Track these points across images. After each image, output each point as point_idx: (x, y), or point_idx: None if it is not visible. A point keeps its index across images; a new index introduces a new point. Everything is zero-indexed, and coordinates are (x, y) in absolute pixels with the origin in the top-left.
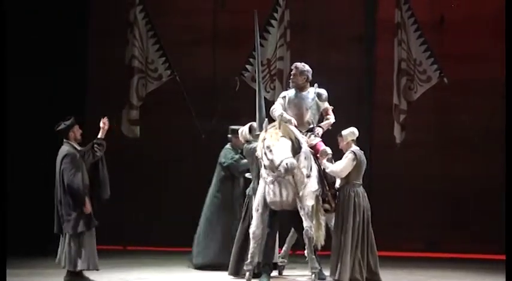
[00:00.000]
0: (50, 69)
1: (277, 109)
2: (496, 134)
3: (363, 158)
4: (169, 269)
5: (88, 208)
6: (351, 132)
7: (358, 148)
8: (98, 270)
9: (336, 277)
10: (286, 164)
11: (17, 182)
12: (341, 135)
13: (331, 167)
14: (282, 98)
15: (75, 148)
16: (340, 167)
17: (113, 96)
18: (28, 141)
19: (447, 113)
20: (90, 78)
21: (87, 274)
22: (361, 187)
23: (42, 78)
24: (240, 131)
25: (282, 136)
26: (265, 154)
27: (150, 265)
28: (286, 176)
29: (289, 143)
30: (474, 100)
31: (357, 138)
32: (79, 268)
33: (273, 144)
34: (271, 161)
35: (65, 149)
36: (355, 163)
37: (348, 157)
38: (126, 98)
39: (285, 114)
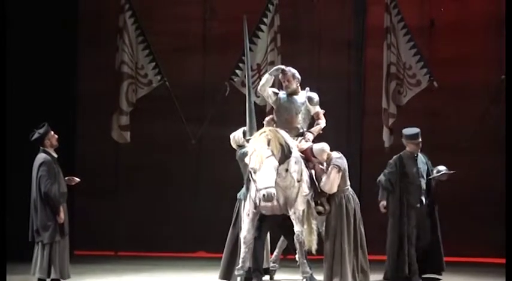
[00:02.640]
0: (40, 75)
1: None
2: (486, 137)
3: (345, 162)
4: (160, 275)
5: (62, 216)
6: (321, 150)
7: (338, 155)
8: (69, 278)
9: None
10: (264, 195)
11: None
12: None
13: (322, 184)
14: (274, 92)
15: (52, 155)
16: (328, 186)
17: (103, 102)
18: (18, 148)
19: (436, 117)
20: (80, 84)
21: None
22: (349, 189)
23: (32, 85)
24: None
25: (267, 157)
26: (250, 173)
27: (142, 270)
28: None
29: (274, 165)
30: (463, 104)
31: (348, 142)
32: (52, 276)
33: (258, 167)
34: (255, 182)
35: (41, 156)
36: (340, 173)
37: (332, 173)
38: (116, 103)
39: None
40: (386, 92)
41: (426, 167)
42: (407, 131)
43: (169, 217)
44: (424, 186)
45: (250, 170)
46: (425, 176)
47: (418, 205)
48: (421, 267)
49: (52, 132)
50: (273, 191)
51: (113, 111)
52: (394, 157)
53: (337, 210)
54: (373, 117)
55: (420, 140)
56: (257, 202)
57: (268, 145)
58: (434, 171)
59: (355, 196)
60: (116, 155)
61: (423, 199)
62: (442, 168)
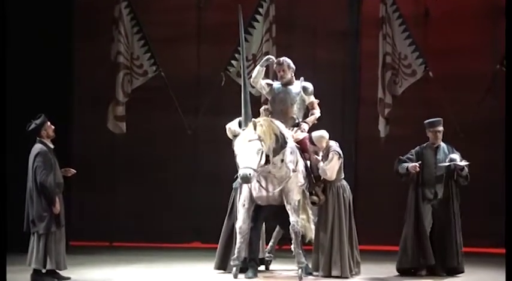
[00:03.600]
0: (36, 66)
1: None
2: (481, 128)
3: (340, 152)
4: (155, 266)
5: (57, 207)
6: (320, 137)
7: (335, 144)
8: (65, 269)
9: (337, 274)
10: (240, 175)
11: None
12: (313, 143)
13: (321, 171)
14: (268, 84)
15: (48, 146)
16: (330, 173)
17: (99, 93)
18: (14, 139)
19: (432, 106)
20: (75, 75)
21: (63, 273)
22: (344, 180)
23: (28, 76)
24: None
25: (250, 140)
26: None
27: (136, 261)
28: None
29: (257, 148)
30: (459, 94)
31: (343, 132)
32: (48, 267)
33: (239, 148)
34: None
35: (37, 147)
36: (340, 161)
37: (333, 159)
38: (112, 94)
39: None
40: (382, 82)
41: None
42: (429, 120)
43: (164, 208)
44: (442, 177)
45: (235, 152)
46: (444, 168)
47: (432, 197)
48: (436, 261)
49: (49, 123)
50: (248, 171)
51: (108, 101)
52: (417, 147)
53: (334, 199)
54: (368, 107)
55: (439, 128)
56: (253, 192)
57: (255, 129)
58: (447, 159)
59: (348, 187)
60: (112, 145)
61: (438, 191)
62: (454, 156)
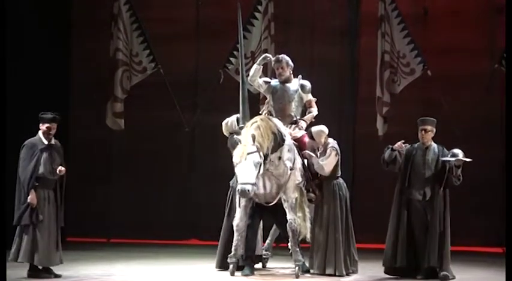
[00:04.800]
0: (34, 62)
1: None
2: (479, 126)
3: (339, 149)
4: (153, 263)
5: (31, 200)
6: (320, 131)
7: (334, 141)
8: (57, 264)
9: (331, 272)
10: (238, 190)
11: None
12: (312, 138)
13: (318, 167)
14: (265, 82)
15: (41, 141)
16: (327, 168)
17: (97, 90)
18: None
19: (430, 105)
20: (74, 71)
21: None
22: (340, 178)
23: (26, 72)
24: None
25: (249, 153)
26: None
27: (134, 258)
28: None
29: (255, 161)
30: (457, 93)
31: (341, 130)
32: (20, 260)
33: (238, 161)
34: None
35: (28, 140)
36: (338, 157)
37: (331, 155)
38: (111, 91)
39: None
40: (381, 81)
41: (436, 158)
42: (422, 117)
43: (162, 204)
44: (430, 178)
45: (233, 163)
46: (433, 168)
47: (421, 198)
48: (418, 262)
49: (45, 124)
50: (247, 187)
51: (107, 98)
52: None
53: (330, 197)
54: (366, 105)
55: (426, 127)
56: None
57: (254, 141)
58: (449, 154)
59: (345, 185)
60: (110, 142)
61: (427, 191)
62: (457, 151)
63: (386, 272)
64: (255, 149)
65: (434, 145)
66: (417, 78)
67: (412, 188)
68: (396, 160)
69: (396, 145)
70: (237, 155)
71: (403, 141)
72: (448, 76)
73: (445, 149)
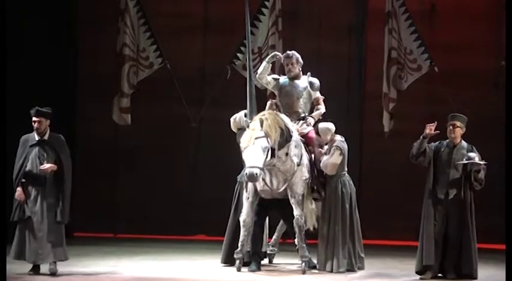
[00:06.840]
0: (41, 57)
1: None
2: (486, 123)
3: (345, 146)
4: (159, 258)
5: (19, 196)
6: (326, 129)
7: (340, 139)
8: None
9: (333, 270)
10: (246, 174)
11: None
12: (318, 134)
13: (322, 165)
14: (274, 78)
15: (33, 136)
16: (330, 168)
17: (104, 85)
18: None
19: (437, 102)
20: (81, 66)
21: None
22: (346, 174)
23: (33, 67)
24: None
25: (257, 138)
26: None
27: (141, 253)
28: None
29: (263, 145)
30: (464, 89)
31: (347, 126)
32: (26, 259)
33: (246, 146)
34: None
35: (25, 135)
36: (342, 157)
37: (334, 154)
38: (118, 86)
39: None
40: (387, 77)
41: (463, 158)
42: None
43: (169, 200)
44: (455, 178)
45: (241, 148)
46: (459, 168)
47: (443, 197)
48: (444, 264)
49: (34, 119)
50: (255, 171)
51: (114, 93)
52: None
53: (332, 193)
54: (373, 101)
55: (453, 122)
56: (257, 185)
57: (262, 126)
58: (465, 158)
59: (351, 182)
60: (117, 137)
61: (450, 192)
62: (473, 155)
63: (417, 271)
64: (263, 134)
65: (463, 144)
66: (424, 75)
67: (437, 187)
68: (426, 152)
69: (427, 130)
70: (244, 139)
71: (435, 123)
72: (454, 73)
73: (474, 149)
